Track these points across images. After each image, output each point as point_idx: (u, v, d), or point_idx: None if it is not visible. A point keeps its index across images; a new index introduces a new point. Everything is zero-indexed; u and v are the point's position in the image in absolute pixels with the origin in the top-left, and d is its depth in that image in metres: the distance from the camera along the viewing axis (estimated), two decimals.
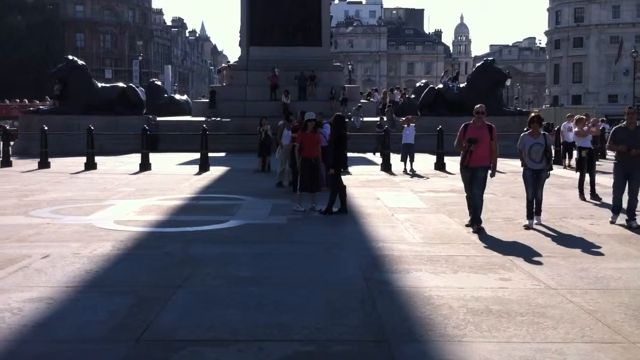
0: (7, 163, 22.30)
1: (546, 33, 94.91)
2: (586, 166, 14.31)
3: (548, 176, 10.90)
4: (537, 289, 6.84)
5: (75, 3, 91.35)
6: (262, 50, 35.25)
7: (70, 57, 33.16)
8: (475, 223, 10.19)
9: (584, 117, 16.26)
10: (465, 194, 10.71)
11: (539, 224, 10.63)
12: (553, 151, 13.66)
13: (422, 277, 7.31)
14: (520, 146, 10.75)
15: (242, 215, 11.85)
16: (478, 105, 10.40)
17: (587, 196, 13.99)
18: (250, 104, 33.34)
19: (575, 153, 15.25)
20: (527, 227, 10.43)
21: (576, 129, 15.12)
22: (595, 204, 13.32)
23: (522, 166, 10.85)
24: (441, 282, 7.12)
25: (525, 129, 11.77)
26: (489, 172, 10.29)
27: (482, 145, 10.09)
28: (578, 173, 14.63)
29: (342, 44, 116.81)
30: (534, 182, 10.70)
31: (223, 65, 43.70)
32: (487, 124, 10.27)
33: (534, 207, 10.73)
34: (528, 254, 8.56)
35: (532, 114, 11.11)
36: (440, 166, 20.80)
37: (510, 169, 18.93)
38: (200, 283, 7.08)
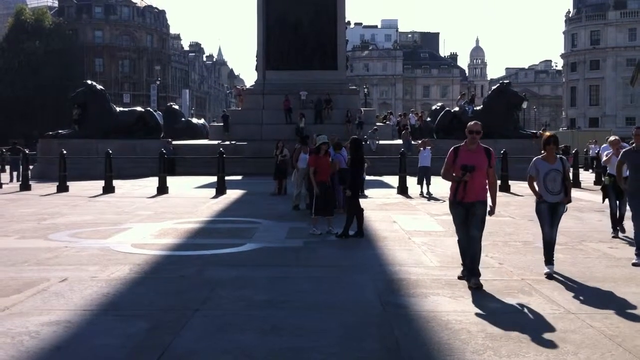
0: (26, 187, 22.53)
1: (562, 56, 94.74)
2: (613, 195, 12.03)
3: (565, 210, 8.85)
4: (556, 314, 6.76)
5: (94, 28, 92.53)
6: (278, 74, 35.54)
7: (89, 81, 33.62)
8: (472, 277, 7.96)
9: (617, 138, 12.84)
10: (456, 237, 8.37)
11: (553, 273, 8.58)
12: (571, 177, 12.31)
13: (440, 302, 7.25)
14: (533, 172, 8.74)
15: (258, 238, 11.86)
16: (472, 123, 8.21)
17: (619, 233, 12.04)
18: (266, 127, 33.55)
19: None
20: (549, 276, 8.47)
21: (607, 152, 12.78)
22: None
23: (538, 199, 8.77)
24: (459, 306, 7.05)
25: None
26: (489, 208, 8.05)
27: (480, 174, 7.90)
28: (606, 201, 12.56)
29: (358, 68, 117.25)
30: (551, 218, 8.65)
31: (238, 88, 44.31)
32: (484, 147, 8.07)
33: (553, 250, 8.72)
34: (547, 278, 8.47)
35: (547, 134, 9.12)
36: None
37: (528, 191, 18.74)
38: (216, 306, 7.07)
